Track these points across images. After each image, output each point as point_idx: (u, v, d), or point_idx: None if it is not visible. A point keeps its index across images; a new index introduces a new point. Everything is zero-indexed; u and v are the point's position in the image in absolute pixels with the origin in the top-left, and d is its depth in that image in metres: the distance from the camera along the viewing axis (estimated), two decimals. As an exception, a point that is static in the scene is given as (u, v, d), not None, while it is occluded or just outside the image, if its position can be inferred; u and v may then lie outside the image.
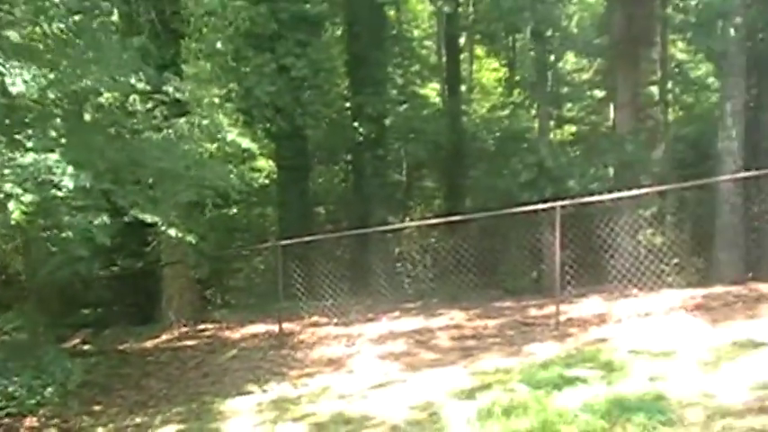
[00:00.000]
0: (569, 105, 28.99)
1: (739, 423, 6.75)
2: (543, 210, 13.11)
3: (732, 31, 17.18)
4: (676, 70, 26.38)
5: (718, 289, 13.27)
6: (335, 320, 14.94)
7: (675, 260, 17.01)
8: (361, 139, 22.40)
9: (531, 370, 9.34)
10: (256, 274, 23.85)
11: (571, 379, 8.43)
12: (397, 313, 15.46)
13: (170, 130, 12.61)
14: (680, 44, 25.63)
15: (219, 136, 13.09)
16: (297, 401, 10.06)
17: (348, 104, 23.64)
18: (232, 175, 13.37)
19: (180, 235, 11.78)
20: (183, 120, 12.83)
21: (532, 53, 21.97)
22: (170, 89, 12.29)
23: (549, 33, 20.76)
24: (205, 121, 12.88)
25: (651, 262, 13.83)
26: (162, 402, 11.45)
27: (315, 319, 15.39)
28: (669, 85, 25.36)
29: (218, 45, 18.34)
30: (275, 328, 14.69)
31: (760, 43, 19.44)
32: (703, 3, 18.23)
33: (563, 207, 12.32)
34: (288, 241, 15.51)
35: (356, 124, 22.34)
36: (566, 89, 27.49)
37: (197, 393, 11.58)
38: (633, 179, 18.30)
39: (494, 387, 8.76)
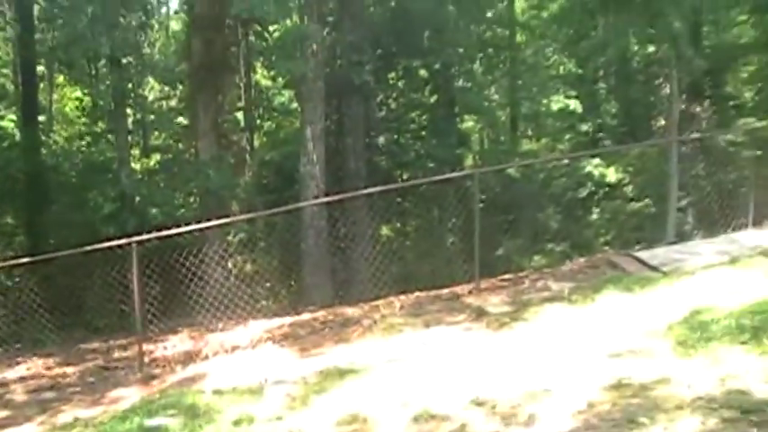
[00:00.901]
0: (156, 134, 28.32)
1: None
2: (121, 246, 12.32)
3: (310, 56, 17.40)
4: (261, 97, 26.78)
5: (306, 316, 13.15)
6: None
7: (267, 284, 16.96)
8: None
9: (111, 422, 8.50)
10: None
11: (152, 430, 7.75)
12: (-33, 368, 13.93)
13: None
14: (263, 71, 26.05)
15: None
16: None
17: None
18: None
19: None
20: None
21: (110, 81, 21.04)
22: None
23: (128, 60, 20.01)
24: None
25: (239, 292, 13.55)
26: None
27: None
28: (254, 111, 25.65)
29: None
30: None
31: (338, 69, 20.00)
32: (281, 29, 18.43)
33: (140, 243, 11.74)
34: None
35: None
36: (152, 117, 26.76)
37: None
38: (220, 206, 18.08)
39: (71, 445, 7.89)
